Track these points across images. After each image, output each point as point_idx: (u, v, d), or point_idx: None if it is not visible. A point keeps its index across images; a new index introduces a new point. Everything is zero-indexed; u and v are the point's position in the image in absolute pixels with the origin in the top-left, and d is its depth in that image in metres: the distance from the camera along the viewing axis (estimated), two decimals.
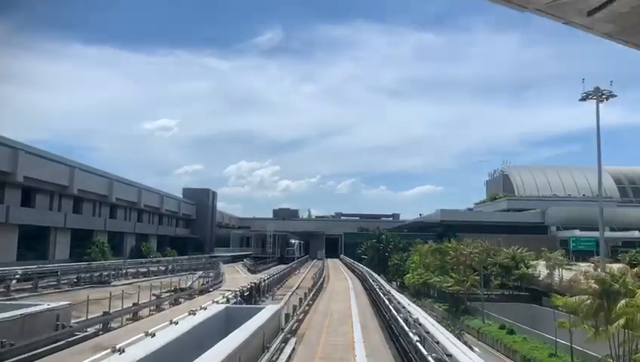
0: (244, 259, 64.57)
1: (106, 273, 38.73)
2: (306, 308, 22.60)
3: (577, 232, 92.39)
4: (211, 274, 37.58)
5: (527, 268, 56.22)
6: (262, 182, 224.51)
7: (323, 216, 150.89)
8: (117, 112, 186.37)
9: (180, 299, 25.43)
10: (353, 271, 59.14)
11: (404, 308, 18.99)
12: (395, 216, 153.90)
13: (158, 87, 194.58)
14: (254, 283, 23.21)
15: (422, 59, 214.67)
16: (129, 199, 72.13)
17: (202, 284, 33.80)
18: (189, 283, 33.07)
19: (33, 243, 51.70)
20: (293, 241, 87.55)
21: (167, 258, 65.46)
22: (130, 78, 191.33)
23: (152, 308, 22.39)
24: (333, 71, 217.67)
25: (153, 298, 24.22)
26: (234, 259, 72.43)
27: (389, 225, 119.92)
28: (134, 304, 21.87)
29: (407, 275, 69.85)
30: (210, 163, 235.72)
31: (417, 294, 67.56)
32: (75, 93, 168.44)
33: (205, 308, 14.93)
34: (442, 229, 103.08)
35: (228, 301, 19.78)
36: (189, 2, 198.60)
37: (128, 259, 57.29)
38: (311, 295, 26.07)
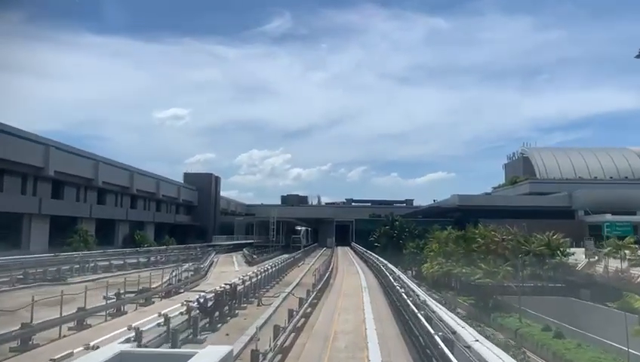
0: (244, 249, 58.37)
1: (67, 267, 32.57)
2: (301, 321, 16.05)
3: (609, 216, 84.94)
4: (193, 268, 31.36)
5: (565, 256, 49.43)
6: (273, 170, 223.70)
7: (333, 203, 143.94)
8: (128, 102, 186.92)
9: (128, 307, 19.00)
10: (366, 262, 52.48)
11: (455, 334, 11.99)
12: (409, 201, 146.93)
13: (169, 76, 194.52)
14: (227, 287, 16.78)
15: (432, 44, 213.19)
16: (119, 183, 66.04)
17: (180, 281, 27.58)
18: (166, 279, 26.82)
19: (4, 231, 45.73)
20: (299, 228, 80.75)
21: (158, 248, 59.54)
22: (141, 68, 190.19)
23: (72, 324, 15.79)
24: (343, 58, 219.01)
25: (100, 303, 17.85)
26: (234, 248, 66.24)
27: (402, 211, 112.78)
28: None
29: (426, 264, 63.26)
30: (222, 151, 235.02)
31: (436, 285, 61.13)
32: (86, 83, 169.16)
33: (97, 347, 8.43)
34: (460, 215, 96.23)
35: (186, 312, 13.49)
36: None
37: (110, 250, 51.22)
38: (310, 299, 19.53)
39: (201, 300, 14.33)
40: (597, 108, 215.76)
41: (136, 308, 19.02)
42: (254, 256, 51.55)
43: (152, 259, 42.07)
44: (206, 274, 32.06)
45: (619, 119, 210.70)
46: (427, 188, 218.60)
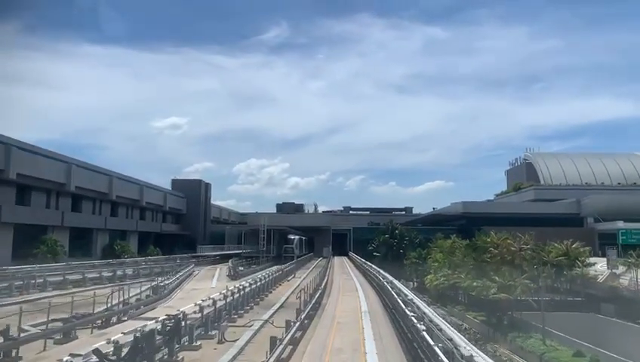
0: (230, 260, 53.14)
1: (5, 284, 27.35)
2: None
3: (621, 224, 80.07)
4: (156, 284, 26.13)
5: (585, 266, 44.59)
6: (271, 179, 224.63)
7: (331, 211, 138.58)
8: (126, 111, 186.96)
9: (34, 345, 13.86)
10: (365, 275, 46.96)
11: None
12: (408, 209, 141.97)
13: (167, 85, 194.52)
14: (169, 320, 11.73)
15: (429, 53, 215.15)
16: (97, 189, 60.91)
17: (139, 299, 22.55)
18: (120, 300, 21.72)
19: None
20: (292, 237, 75.30)
21: (134, 259, 54.24)
22: (139, 77, 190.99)
23: None
24: (341, 67, 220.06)
25: None
26: (222, 259, 61.02)
27: (401, 219, 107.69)
28: None
29: (429, 276, 58.25)
30: (220, 161, 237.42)
31: (440, 298, 56.17)
32: (84, 93, 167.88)
33: None
34: (464, 223, 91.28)
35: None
36: (195, 0, 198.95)
37: (75, 262, 46.06)
38: (291, 333, 14.30)
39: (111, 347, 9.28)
40: (594, 116, 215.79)
41: (44, 347, 13.88)
42: (241, 268, 46.38)
43: (120, 272, 36.65)
44: (171, 293, 26.71)
45: (616, 127, 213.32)
46: (425, 197, 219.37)
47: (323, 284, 31.95)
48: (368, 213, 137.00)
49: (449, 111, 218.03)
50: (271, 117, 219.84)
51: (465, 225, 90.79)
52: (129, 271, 38.76)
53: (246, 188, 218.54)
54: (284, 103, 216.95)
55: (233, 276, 39.04)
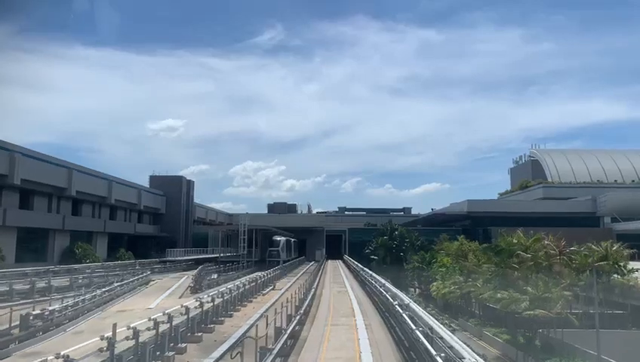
0: (201, 266, 44.63)
1: None
2: None
3: None
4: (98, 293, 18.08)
5: (630, 272, 36.99)
6: (267, 181, 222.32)
7: (325, 212, 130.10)
8: (121, 114, 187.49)
9: None
10: (363, 286, 37.63)
11: None
12: (407, 209, 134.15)
13: (161, 88, 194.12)
14: None
15: (424, 56, 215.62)
16: (51, 183, 52.71)
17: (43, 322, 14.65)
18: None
19: None
20: (278, 239, 66.37)
21: (75, 266, 45.84)
22: (134, 80, 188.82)
23: None
24: (336, 69, 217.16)
25: None
26: (197, 264, 52.68)
27: (400, 220, 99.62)
28: None
29: (435, 283, 50.47)
30: (216, 163, 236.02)
31: (447, 308, 48.40)
32: (78, 96, 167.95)
33: None
34: (469, 223, 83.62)
35: None
36: (189, 2, 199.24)
37: (17, 269, 37.89)
38: None
39: None
40: (589, 118, 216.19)
41: None
42: (214, 276, 38.20)
43: (42, 284, 27.96)
44: (78, 318, 18.43)
45: (609, 130, 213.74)
46: (422, 200, 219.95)
47: (307, 301, 23.84)
48: (364, 213, 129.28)
49: (444, 114, 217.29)
50: (266, 119, 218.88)
51: (469, 225, 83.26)
52: (63, 283, 30.34)
53: (242, 191, 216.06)
54: (280, 106, 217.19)
55: (195, 288, 30.89)
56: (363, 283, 37.07)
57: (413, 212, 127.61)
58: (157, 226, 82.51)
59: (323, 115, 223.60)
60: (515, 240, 34.61)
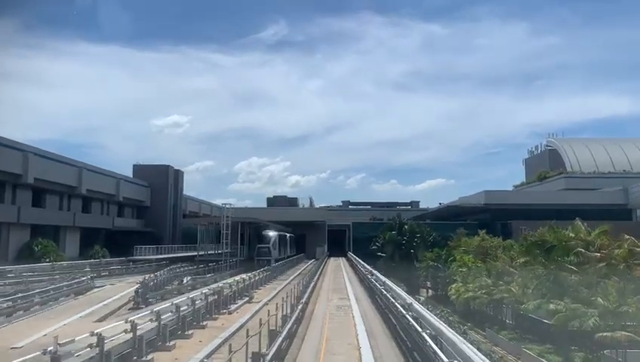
0: (168, 268, 36.59)
1: None
2: None
3: None
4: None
5: None
6: (272, 177, 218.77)
7: (328, 206, 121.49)
8: (125, 110, 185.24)
9: None
10: (371, 294, 27.19)
11: None
12: (415, 203, 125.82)
13: (165, 84, 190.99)
14: None
15: (428, 51, 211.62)
16: (5, 169, 44.90)
17: None
18: None
19: None
20: (269, 234, 57.52)
21: (19, 266, 38.08)
22: (138, 76, 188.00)
23: None
24: (339, 65, 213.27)
25: None
26: (170, 264, 44.52)
27: (407, 214, 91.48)
28: None
29: (455, 285, 42.58)
30: (221, 159, 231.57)
31: (468, 315, 40.54)
32: (84, 92, 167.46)
33: None
34: (487, 216, 75.36)
35: None
36: None
37: None
38: None
39: None
40: (593, 113, 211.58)
41: None
42: (186, 280, 30.19)
43: None
44: None
45: (615, 124, 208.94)
46: (427, 195, 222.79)
47: (294, 320, 15.50)
48: (370, 207, 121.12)
49: (449, 109, 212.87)
50: (271, 115, 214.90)
51: (486, 219, 75.02)
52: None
53: (247, 187, 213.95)
54: (284, 101, 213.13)
55: (138, 301, 22.56)
56: (372, 290, 28.60)
57: (421, 206, 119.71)
58: (141, 220, 74.64)
59: (327, 110, 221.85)
60: (571, 234, 26.59)
